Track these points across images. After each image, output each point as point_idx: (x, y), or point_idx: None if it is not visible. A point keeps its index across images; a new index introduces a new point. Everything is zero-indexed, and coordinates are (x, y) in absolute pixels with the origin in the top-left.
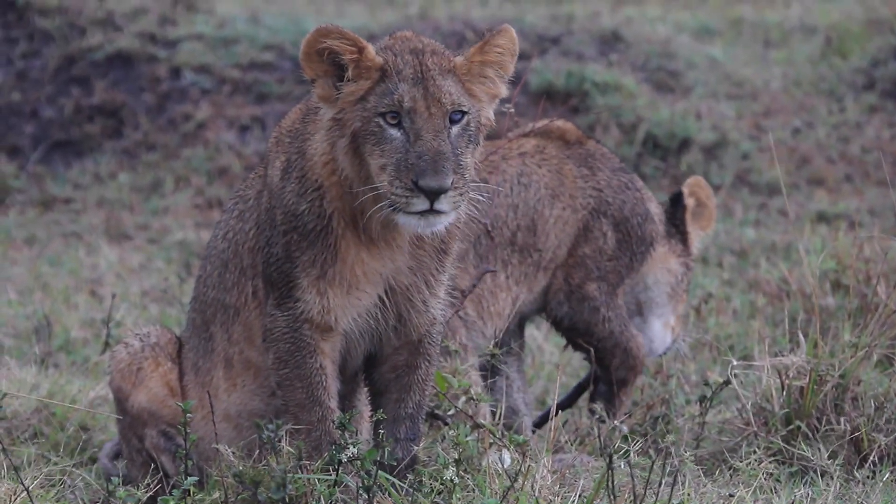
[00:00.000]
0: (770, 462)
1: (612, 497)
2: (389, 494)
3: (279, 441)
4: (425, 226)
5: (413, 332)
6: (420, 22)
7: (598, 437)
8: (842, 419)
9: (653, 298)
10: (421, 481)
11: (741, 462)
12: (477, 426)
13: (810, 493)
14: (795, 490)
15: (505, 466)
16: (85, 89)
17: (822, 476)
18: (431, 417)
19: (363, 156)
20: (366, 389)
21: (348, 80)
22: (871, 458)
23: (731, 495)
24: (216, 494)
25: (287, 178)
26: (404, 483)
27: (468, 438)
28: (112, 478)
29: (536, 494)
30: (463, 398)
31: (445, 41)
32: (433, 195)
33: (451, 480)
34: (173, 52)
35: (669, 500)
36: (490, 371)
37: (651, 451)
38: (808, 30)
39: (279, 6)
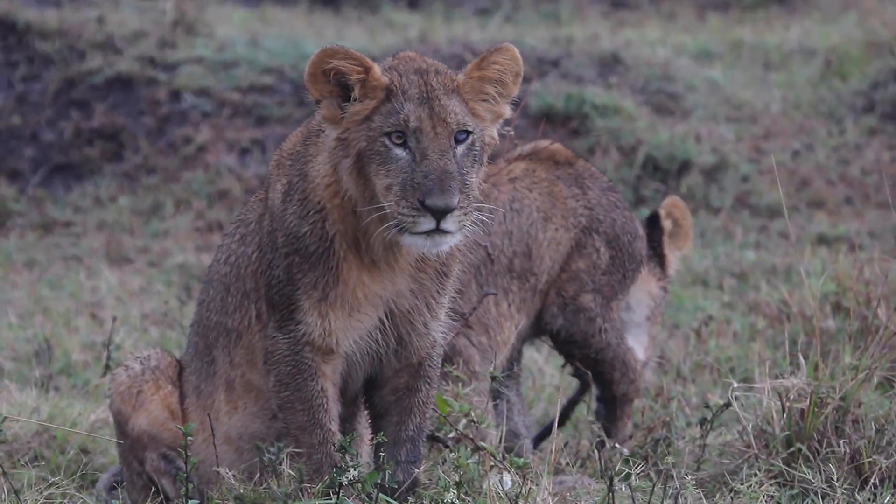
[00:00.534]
0: (771, 484)
1: None
2: None
3: (280, 464)
4: (431, 246)
5: (414, 355)
6: (420, 45)
7: (599, 459)
8: (842, 441)
9: (633, 319)
10: None
11: (742, 484)
12: (478, 449)
13: None
14: None
15: (506, 489)
16: (85, 112)
17: (823, 499)
18: (432, 440)
19: (368, 176)
20: (366, 412)
21: (354, 101)
22: (873, 480)
23: None
24: None
25: (288, 201)
26: None
27: (469, 461)
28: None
29: None
30: (464, 421)
31: (445, 64)
32: (440, 214)
33: (452, 503)
34: (173, 76)
35: None
36: (490, 395)
37: (652, 474)
38: (807, 52)
39: (279, 29)
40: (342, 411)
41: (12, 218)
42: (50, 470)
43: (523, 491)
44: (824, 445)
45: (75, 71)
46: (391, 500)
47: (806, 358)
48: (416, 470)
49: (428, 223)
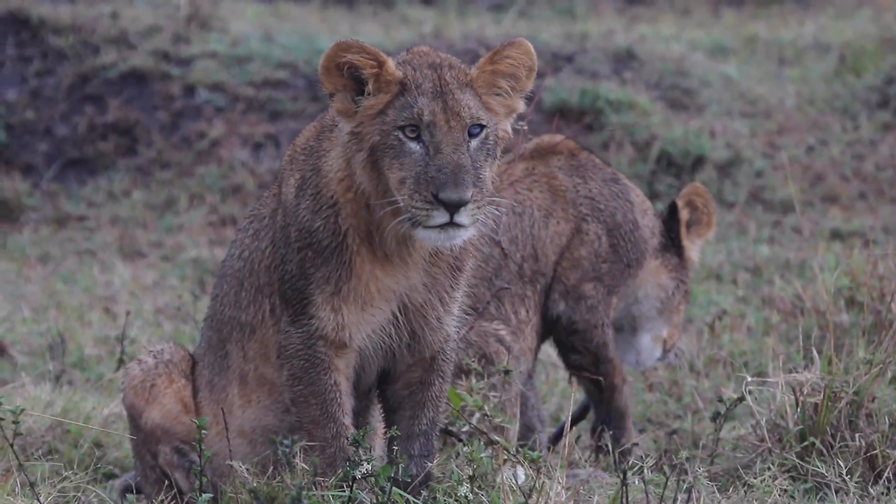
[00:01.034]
0: (784, 478)
1: None
2: None
3: (294, 457)
4: (445, 239)
5: (427, 349)
6: (434, 40)
7: (613, 453)
8: (856, 436)
9: (643, 312)
10: (435, 498)
11: (755, 478)
12: (491, 442)
13: None
14: None
15: (519, 483)
16: (99, 107)
17: (836, 493)
18: (445, 434)
19: (381, 170)
20: (379, 406)
21: (368, 95)
22: (886, 474)
23: None
24: None
25: (302, 196)
26: (418, 499)
27: (482, 455)
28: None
29: None
30: (477, 415)
31: (459, 59)
32: (453, 208)
33: (466, 497)
34: (187, 70)
35: None
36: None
37: (665, 468)
38: (822, 48)
39: (293, 24)
40: (355, 405)
41: (26, 212)
42: (64, 463)
43: (537, 484)
44: (838, 439)
45: (89, 66)
46: (404, 494)
47: (819, 352)
48: (430, 464)
49: (441, 217)
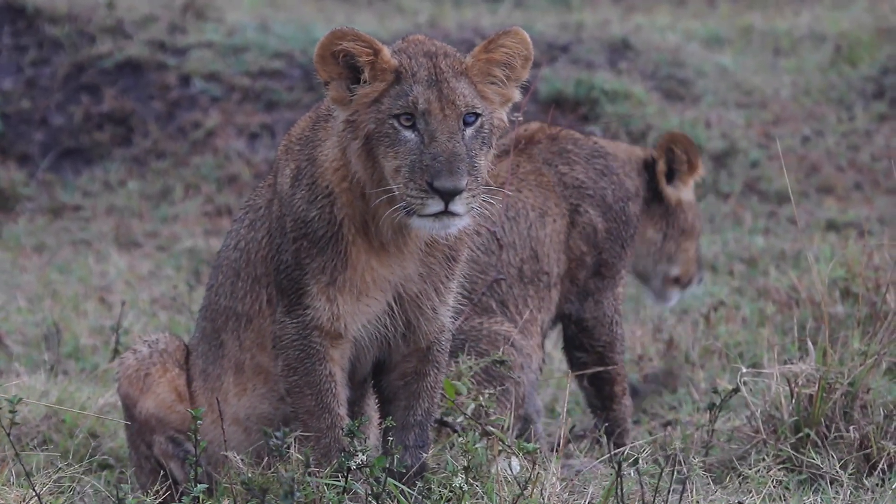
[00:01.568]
0: (779, 470)
1: None
2: (398, 502)
3: (288, 448)
4: (440, 228)
5: (422, 340)
6: (429, 29)
7: (608, 444)
8: (851, 427)
9: (642, 266)
10: (430, 488)
11: (750, 469)
12: (486, 433)
13: (819, 500)
14: (804, 498)
15: (514, 473)
16: (94, 97)
17: (831, 484)
18: (441, 425)
19: (377, 158)
20: (374, 397)
21: (363, 83)
22: (881, 465)
23: (740, 503)
24: (225, 502)
25: (297, 186)
26: (413, 490)
27: (477, 446)
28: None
29: (545, 501)
30: (472, 406)
31: (455, 48)
32: (448, 196)
33: (461, 488)
34: (183, 60)
35: None
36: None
37: (660, 459)
38: (817, 38)
39: (289, 14)
40: (350, 396)
41: (21, 202)
42: (59, 453)
43: (531, 476)
44: (832, 431)
45: (85, 55)
46: (399, 485)
47: (814, 343)
48: (425, 454)
49: (436, 205)
